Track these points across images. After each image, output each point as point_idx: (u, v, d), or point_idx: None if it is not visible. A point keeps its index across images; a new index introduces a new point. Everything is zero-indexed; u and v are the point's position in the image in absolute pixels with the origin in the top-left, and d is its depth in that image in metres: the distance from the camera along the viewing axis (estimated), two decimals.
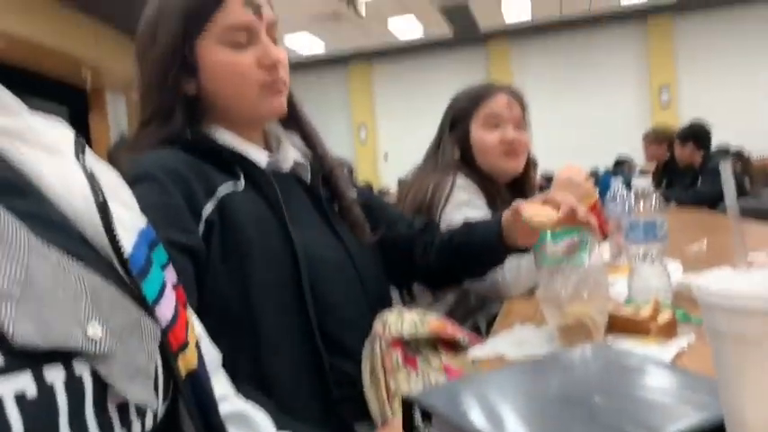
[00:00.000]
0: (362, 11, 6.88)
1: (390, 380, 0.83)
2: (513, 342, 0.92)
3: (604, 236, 1.50)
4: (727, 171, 0.46)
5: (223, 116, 0.96)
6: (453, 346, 0.96)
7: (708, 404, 0.51)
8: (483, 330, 1.42)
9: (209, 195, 0.87)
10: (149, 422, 0.43)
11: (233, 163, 0.92)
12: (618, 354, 0.69)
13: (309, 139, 1.06)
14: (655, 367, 0.65)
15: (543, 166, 6.90)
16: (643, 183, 1.08)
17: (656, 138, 5.00)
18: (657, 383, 0.61)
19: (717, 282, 0.47)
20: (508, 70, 9.81)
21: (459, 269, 1.15)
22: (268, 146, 1.03)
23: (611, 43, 9.82)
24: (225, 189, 0.88)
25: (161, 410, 0.45)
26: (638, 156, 7.53)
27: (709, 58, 9.40)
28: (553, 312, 0.88)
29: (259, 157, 0.95)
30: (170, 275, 0.51)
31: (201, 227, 0.85)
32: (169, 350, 0.46)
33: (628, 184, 1.52)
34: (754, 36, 9.19)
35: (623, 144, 8.39)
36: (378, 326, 0.88)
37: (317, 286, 0.89)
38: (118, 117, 7.93)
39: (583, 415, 0.51)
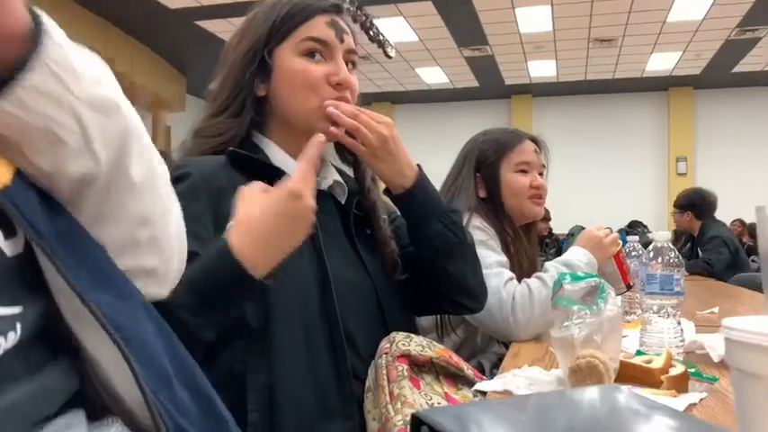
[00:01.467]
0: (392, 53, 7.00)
1: (394, 387, 0.82)
2: (521, 380, 0.91)
3: (628, 285, 1.49)
4: (763, 214, 0.47)
5: (282, 125, 1.00)
6: (455, 382, 0.94)
7: None
8: (487, 372, 1.40)
9: None
10: None
11: (274, 178, 0.92)
12: (628, 396, 0.67)
13: (360, 169, 1.08)
14: (666, 414, 0.63)
15: (553, 222, 6.91)
16: (664, 236, 1.07)
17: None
18: (669, 429, 0.60)
19: (745, 322, 0.46)
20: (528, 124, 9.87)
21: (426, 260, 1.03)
22: None
23: (632, 110, 9.89)
24: None
25: (9, 249, 0.43)
26: (650, 222, 7.51)
27: (728, 133, 9.45)
28: (565, 354, 0.87)
29: None
30: None
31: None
32: None
33: (644, 245, 1.52)
34: None
35: (638, 209, 8.38)
36: (384, 344, 0.87)
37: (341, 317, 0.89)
38: None
39: None
